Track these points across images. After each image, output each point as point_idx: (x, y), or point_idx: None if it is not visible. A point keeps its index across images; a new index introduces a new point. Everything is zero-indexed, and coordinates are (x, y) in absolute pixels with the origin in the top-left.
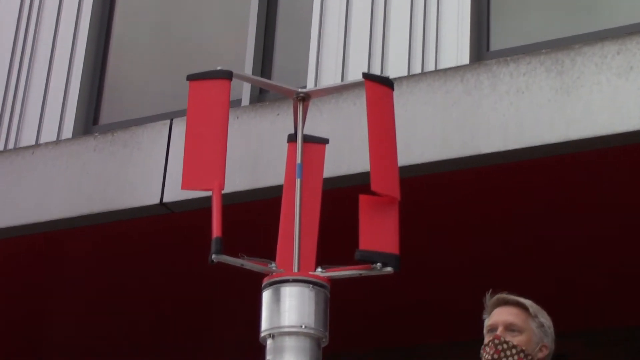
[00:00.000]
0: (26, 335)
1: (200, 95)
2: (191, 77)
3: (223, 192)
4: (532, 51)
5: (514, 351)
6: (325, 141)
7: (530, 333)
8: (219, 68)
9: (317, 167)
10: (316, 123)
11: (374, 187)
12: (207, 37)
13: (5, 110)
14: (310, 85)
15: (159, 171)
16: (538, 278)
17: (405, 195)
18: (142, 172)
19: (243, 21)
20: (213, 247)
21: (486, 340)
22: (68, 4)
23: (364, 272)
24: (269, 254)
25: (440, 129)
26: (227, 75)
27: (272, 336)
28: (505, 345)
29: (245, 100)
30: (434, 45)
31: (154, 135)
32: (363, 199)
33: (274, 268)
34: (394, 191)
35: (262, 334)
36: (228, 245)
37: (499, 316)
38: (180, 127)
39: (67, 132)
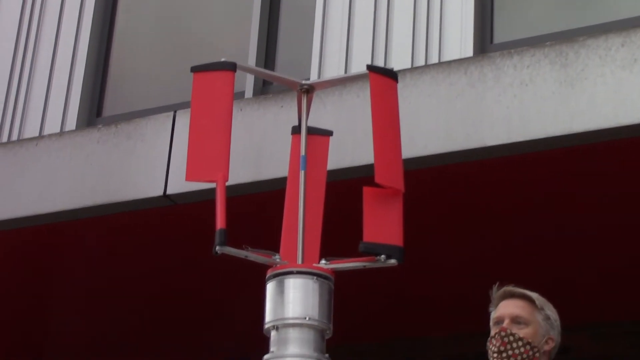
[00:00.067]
0: (28, 326)
1: (204, 86)
2: (195, 69)
3: (227, 184)
4: (536, 43)
5: (520, 343)
6: (329, 133)
7: (536, 325)
8: (223, 60)
9: (321, 159)
10: (320, 115)
11: (378, 179)
12: (211, 29)
13: (9, 101)
14: (313, 78)
15: (163, 163)
16: (542, 270)
17: (409, 187)
18: (146, 164)
19: (246, 13)
20: (217, 239)
21: (492, 333)
22: None
23: (368, 264)
24: (273, 245)
25: (444, 122)
26: (231, 67)
27: (276, 328)
28: (511, 338)
29: (249, 93)
30: (438, 38)
31: (157, 127)
32: (367, 191)
33: (277, 260)
34: (398, 183)
35: (266, 326)
36: (232, 237)
37: (506, 309)
38: (183, 119)
39: (71, 123)
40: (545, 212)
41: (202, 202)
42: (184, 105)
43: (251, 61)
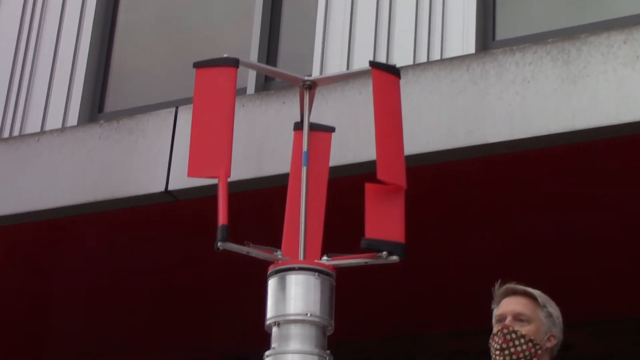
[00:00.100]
0: (28, 322)
1: (207, 82)
2: (198, 65)
3: (228, 180)
4: (538, 40)
5: (522, 341)
6: (331, 129)
7: (538, 323)
8: (225, 55)
9: (323, 155)
10: (322, 112)
11: (380, 175)
12: (213, 25)
13: (11, 97)
14: (315, 74)
15: (164, 159)
16: (543, 268)
17: (410, 184)
18: (147, 160)
19: (248, 9)
20: (219, 235)
21: (495, 330)
22: None
23: (369, 261)
24: (275, 242)
25: (446, 118)
26: (234, 63)
27: (278, 324)
28: (513, 335)
29: (251, 89)
30: (440, 34)
31: (159, 123)
32: (369, 187)
33: (279, 256)
34: (400, 179)
35: (268, 322)
36: (233, 233)
37: (508, 306)
38: (185, 115)
39: (73, 119)
40: (547, 210)
41: (203, 198)
42: (186, 101)
43: (253, 57)
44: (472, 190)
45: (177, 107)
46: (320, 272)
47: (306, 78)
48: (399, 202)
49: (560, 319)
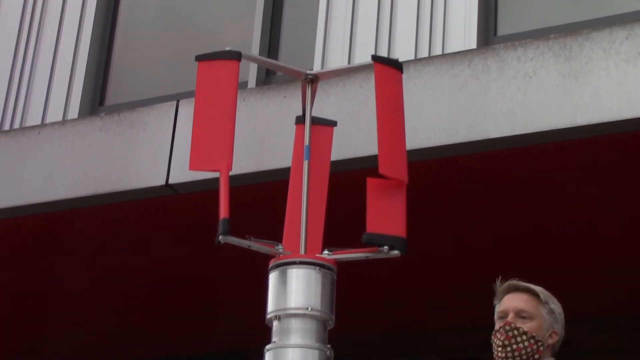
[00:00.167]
0: (29, 315)
1: (209, 75)
2: (200, 58)
3: (230, 173)
4: (540, 36)
5: (524, 337)
6: (333, 123)
7: (540, 319)
8: (228, 49)
9: (325, 149)
10: (323, 106)
11: (381, 170)
12: (214, 18)
13: (12, 89)
14: (317, 68)
15: (165, 152)
16: (542, 264)
17: (411, 179)
18: (148, 153)
19: (250, 4)
20: (220, 228)
21: (497, 327)
22: None
23: (371, 255)
24: (276, 235)
25: (447, 113)
26: (236, 56)
27: (278, 318)
28: (516, 332)
29: (252, 83)
30: (441, 29)
31: (160, 116)
32: (371, 181)
33: (280, 250)
34: (402, 174)
35: (268, 316)
36: (234, 226)
37: (510, 302)
38: (186, 109)
39: (73, 112)
40: (547, 205)
41: (204, 191)
42: (187, 94)
43: (254, 52)
44: (473, 186)
45: (178, 101)
46: (321, 266)
47: (308, 72)
48: (401, 196)
49: (562, 316)
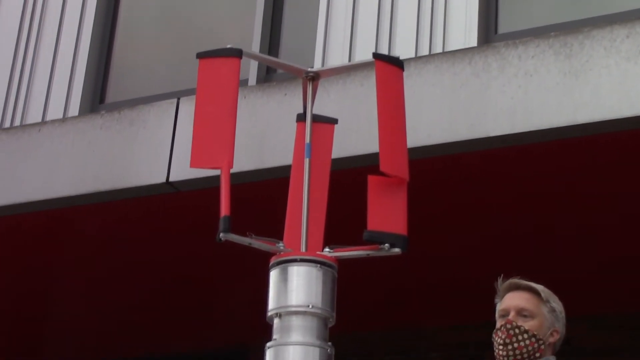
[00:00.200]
0: (28, 312)
1: (210, 73)
2: (201, 55)
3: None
4: (541, 34)
5: (525, 336)
6: (334, 121)
7: (541, 318)
8: (229, 46)
9: (326, 147)
10: (323, 104)
11: (382, 167)
12: (215, 17)
13: (12, 87)
14: (317, 67)
15: (166, 150)
16: (542, 262)
17: (411, 177)
18: (149, 151)
19: (250, 1)
20: (221, 226)
21: (498, 325)
22: None
23: (371, 253)
24: (277, 233)
25: (448, 111)
26: (237, 54)
27: (279, 315)
28: (517, 330)
29: (253, 80)
30: (442, 27)
31: (160, 114)
32: (372, 179)
33: (281, 247)
34: (403, 172)
35: (269, 314)
36: (235, 224)
37: (511, 301)
38: (187, 106)
39: (74, 110)
40: (547, 203)
41: (204, 189)
42: (187, 92)
43: (255, 49)
44: (473, 184)
45: (178, 98)
46: (322, 263)
47: (309, 69)
48: (402, 194)
49: (563, 314)
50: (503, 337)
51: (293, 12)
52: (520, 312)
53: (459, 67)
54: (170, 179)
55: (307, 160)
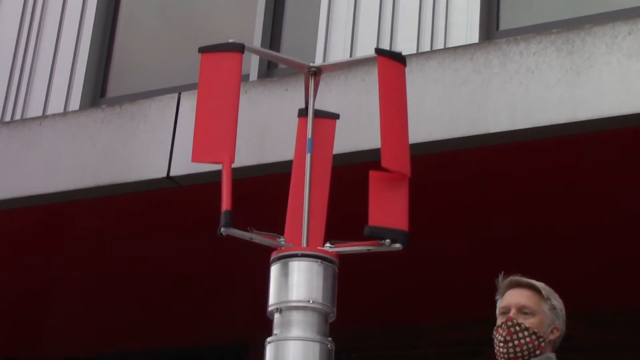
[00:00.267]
0: (27, 306)
1: (212, 67)
2: (203, 50)
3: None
4: (543, 31)
5: (526, 333)
6: (335, 116)
7: (542, 315)
8: (231, 41)
9: (328, 142)
10: (325, 99)
11: (384, 163)
12: (216, 12)
13: (13, 80)
14: (319, 62)
15: (166, 144)
16: (542, 259)
17: (411, 173)
18: (149, 146)
19: None
20: (222, 220)
21: (499, 322)
22: None
23: (372, 248)
24: (278, 228)
25: (449, 107)
26: (239, 48)
27: (280, 310)
28: (517, 328)
29: (254, 76)
30: (444, 24)
31: (161, 108)
32: (373, 175)
33: (282, 242)
34: (405, 168)
35: (270, 308)
36: (236, 219)
37: (512, 298)
38: (188, 101)
39: (75, 104)
40: (547, 200)
41: (205, 184)
42: (189, 87)
43: (256, 45)
44: (473, 180)
45: (179, 93)
46: (323, 259)
47: (311, 64)
48: (403, 190)
49: (564, 311)
50: (504, 334)
51: (294, 8)
52: (521, 310)
53: (460, 63)
54: (171, 174)
55: (308, 156)
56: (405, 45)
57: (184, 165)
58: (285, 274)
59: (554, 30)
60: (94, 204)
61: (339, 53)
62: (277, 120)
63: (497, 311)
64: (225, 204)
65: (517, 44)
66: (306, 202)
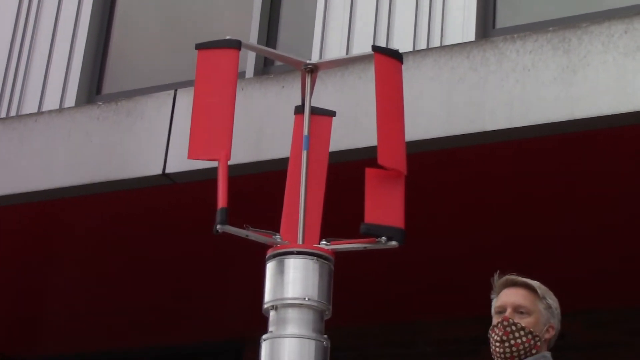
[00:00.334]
0: (24, 304)
1: (209, 64)
2: (200, 46)
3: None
4: (539, 29)
5: (522, 333)
6: (332, 113)
7: (538, 314)
8: (228, 37)
9: (324, 139)
10: (321, 96)
11: (380, 160)
12: (212, 8)
13: (9, 77)
14: (315, 59)
15: (162, 141)
16: (538, 258)
17: (408, 170)
18: (145, 142)
19: None
20: (218, 217)
21: (495, 322)
22: None
23: (368, 246)
24: (274, 225)
25: (446, 105)
26: (236, 45)
27: (275, 308)
28: (514, 327)
29: (250, 73)
30: (440, 22)
31: (158, 105)
32: (369, 172)
33: (278, 240)
34: (401, 165)
35: (265, 306)
36: (232, 216)
37: (508, 297)
38: (184, 98)
39: (70, 100)
40: (544, 199)
41: (201, 181)
42: (185, 84)
43: (252, 42)
44: (471, 178)
45: (176, 90)
46: (319, 256)
47: (308, 61)
48: (399, 187)
49: (559, 310)
50: (500, 334)
51: (291, 4)
52: (517, 309)
53: (457, 61)
54: (167, 171)
55: (304, 153)
56: (401, 43)
57: (180, 162)
58: (280, 271)
59: (551, 28)
60: (90, 200)
61: (335, 50)
62: (273, 118)
63: (493, 310)
64: (221, 201)
65: (514, 42)
66: (302, 200)
